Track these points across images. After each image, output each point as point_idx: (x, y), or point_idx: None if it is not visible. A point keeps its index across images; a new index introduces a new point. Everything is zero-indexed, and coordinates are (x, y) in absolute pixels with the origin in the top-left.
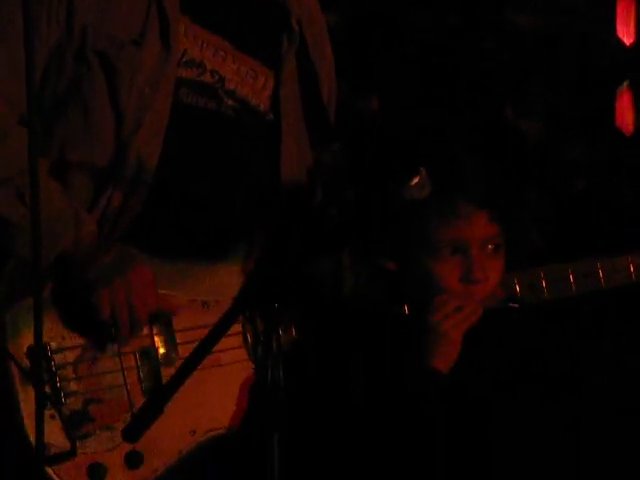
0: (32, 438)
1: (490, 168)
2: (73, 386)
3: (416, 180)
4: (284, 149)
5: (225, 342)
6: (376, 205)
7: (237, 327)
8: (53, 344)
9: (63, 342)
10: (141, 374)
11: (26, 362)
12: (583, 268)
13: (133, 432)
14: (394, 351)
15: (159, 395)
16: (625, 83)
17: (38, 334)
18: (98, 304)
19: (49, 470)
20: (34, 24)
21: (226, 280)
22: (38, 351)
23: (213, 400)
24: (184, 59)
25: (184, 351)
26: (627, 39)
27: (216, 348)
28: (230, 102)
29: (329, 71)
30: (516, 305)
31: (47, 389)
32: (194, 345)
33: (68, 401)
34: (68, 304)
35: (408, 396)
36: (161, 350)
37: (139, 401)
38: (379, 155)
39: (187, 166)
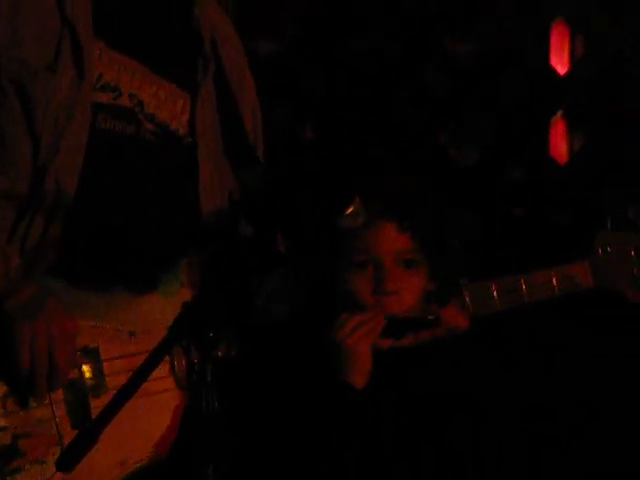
0: None
1: (406, 181)
2: (2, 421)
3: (351, 209)
4: (202, 173)
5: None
6: (310, 232)
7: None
8: None
9: None
10: (69, 406)
11: None
12: (506, 284)
13: (66, 463)
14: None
15: (92, 425)
16: (559, 112)
17: None
18: (18, 350)
19: None
20: None
21: (152, 309)
22: None
23: (141, 430)
24: (100, 84)
25: (112, 381)
26: (561, 69)
27: None
28: (149, 126)
29: (250, 94)
30: (431, 317)
31: None
32: (122, 375)
33: None
34: None
35: (326, 412)
36: (89, 381)
37: (68, 434)
38: (314, 185)
39: (107, 192)
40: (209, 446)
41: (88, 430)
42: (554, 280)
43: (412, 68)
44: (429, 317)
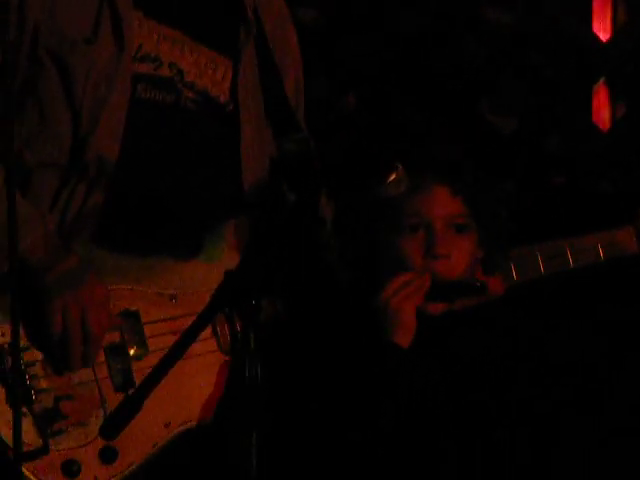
0: (4, 436)
1: (456, 148)
2: (43, 383)
3: (393, 176)
4: (244, 139)
5: None
6: (355, 201)
7: None
8: (21, 342)
9: None
10: (111, 369)
11: None
12: (550, 249)
13: (111, 430)
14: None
15: (136, 393)
16: (601, 79)
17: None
18: (50, 318)
19: (23, 468)
20: None
21: (193, 274)
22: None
23: (186, 392)
24: (139, 54)
25: (153, 344)
26: (603, 35)
27: None
28: (190, 94)
29: (294, 61)
30: (478, 284)
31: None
32: (164, 338)
33: (39, 398)
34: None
35: (371, 371)
36: (130, 344)
37: (110, 396)
38: (356, 152)
39: (148, 161)
40: (252, 414)
41: (132, 397)
42: (599, 245)
43: (452, 37)
44: (476, 283)
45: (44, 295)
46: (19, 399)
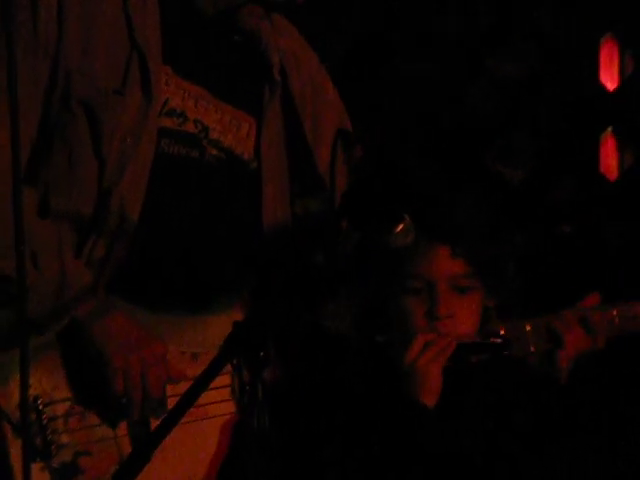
0: None
1: (460, 206)
2: (64, 439)
3: (400, 227)
4: (265, 196)
5: (214, 395)
6: (361, 251)
7: (226, 379)
8: (44, 397)
9: (53, 394)
10: (130, 427)
11: (17, 415)
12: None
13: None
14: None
15: (145, 444)
16: (609, 129)
17: (24, 387)
18: (111, 379)
19: None
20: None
21: (215, 331)
22: (24, 405)
23: (201, 452)
24: (165, 109)
25: (173, 402)
26: (611, 84)
27: (206, 401)
28: (214, 152)
29: (334, 113)
30: (498, 340)
31: (38, 442)
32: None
33: (58, 454)
34: (77, 365)
35: (397, 431)
36: (151, 402)
37: (128, 453)
38: (363, 202)
39: (170, 215)
40: (260, 465)
41: (140, 450)
42: (615, 317)
43: (458, 88)
44: (497, 341)
45: (102, 362)
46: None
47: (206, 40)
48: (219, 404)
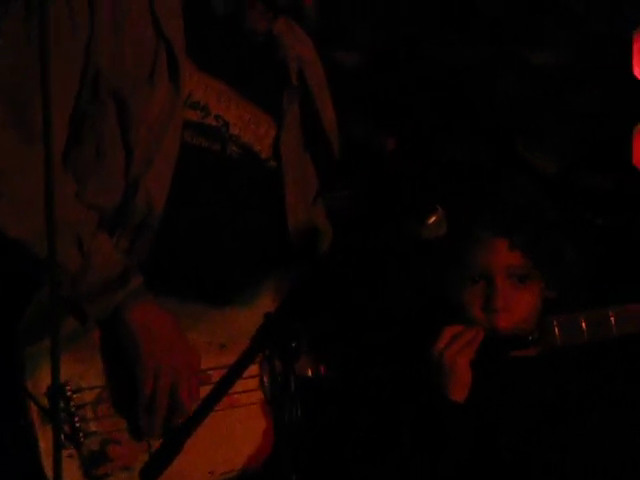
0: (50, 477)
1: (517, 198)
2: (92, 426)
3: (433, 218)
4: (289, 197)
5: (243, 384)
6: (395, 243)
7: (254, 369)
8: (72, 384)
9: (82, 382)
10: None
11: (45, 401)
12: (596, 317)
13: (150, 472)
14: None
15: (176, 435)
16: None
17: (55, 374)
18: (142, 378)
19: None
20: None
21: (242, 323)
22: (55, 391)
23: (230, 441)
24: (188, 101)
25: (203, 392)
26: None
27: (234, 390)
28: (234, 148)
29: (330, 116)
30: (531, 338)
31: (66, 429)
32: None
33: (87, 441)
34: (111, 352)
35: (428, 427)
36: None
37: (156, 443)
38: (396, 194)
39: (194, 207)
40: (292, 458)
41: (171, 440)
42: None
43: (491, 77)
44: (530, 338)
45: (136, 358)
46: (59, 442)
47: (226, 37)
48: (247, 394)
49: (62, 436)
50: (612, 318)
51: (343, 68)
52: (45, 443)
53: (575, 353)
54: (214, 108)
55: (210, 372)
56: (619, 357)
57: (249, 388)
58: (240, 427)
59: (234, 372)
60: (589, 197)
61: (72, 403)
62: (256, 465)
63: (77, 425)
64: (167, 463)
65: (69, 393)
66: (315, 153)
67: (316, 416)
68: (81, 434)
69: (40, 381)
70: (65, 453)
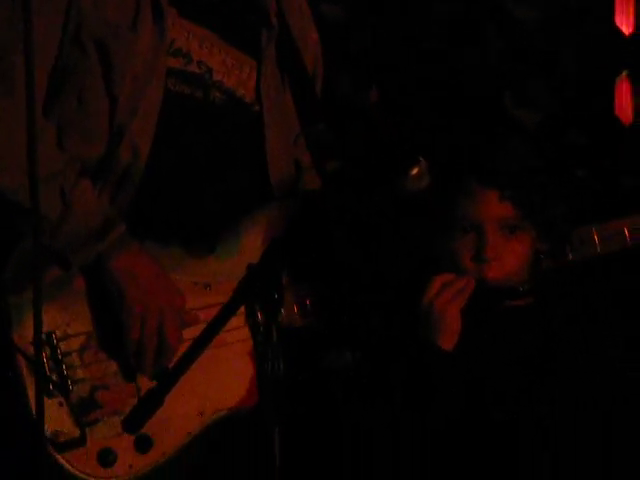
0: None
1: (508, 150)
2: (80, 373)
3: (415, 170)
4: (269, 139)
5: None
6: (379, 195)
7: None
8: (58, 332)
9: (68, 329)
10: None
11: (32, 351)
12: (608, 229)
13: (134, 422)
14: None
15: (164, 380)
16: (624, 73)
17: (38, 321)
18: (129, 324)
19: (60, 457)
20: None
21: (227, 265)
22: (37, 340)
23: (219, 380)
24: (171, 49)
25: (188, 333)
26: (626, 29)
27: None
28: (217, 94)
29: (313, 56)
30: (521, 289)
31: (54, 377)
32: (199, 327)
33: (75, 388)
34: (96, 299)
35: (417, 374)
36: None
37: (145, 386)
38: (378, 146)
39: (177, 154)
40: (275, 408)
41: (158, 386)
42: (625, 231)
43: (474, 31)
44: (521, 289)
45: (122, 304)
46: (42, 390)
47: None
48: (234, 331)
49: (50, 385)
50: (625, 229)
51: (326, 21)
52: (33, 392)
53: (565, 303)
54: (196, 55)
55: (197, 312)
56: (609, 306)
57: (234, 326)
58: (228, 365)
59: (216, 323)
60: (571, 149)
61: (59, 351)
62: (248, 405)
63: (65, 373)
64: (151, 413)
65: (55, 341)
66: (296, 92)
67: (302, 369)
68: (69, 381)
69: (26, 330)
70: (55, 402)
